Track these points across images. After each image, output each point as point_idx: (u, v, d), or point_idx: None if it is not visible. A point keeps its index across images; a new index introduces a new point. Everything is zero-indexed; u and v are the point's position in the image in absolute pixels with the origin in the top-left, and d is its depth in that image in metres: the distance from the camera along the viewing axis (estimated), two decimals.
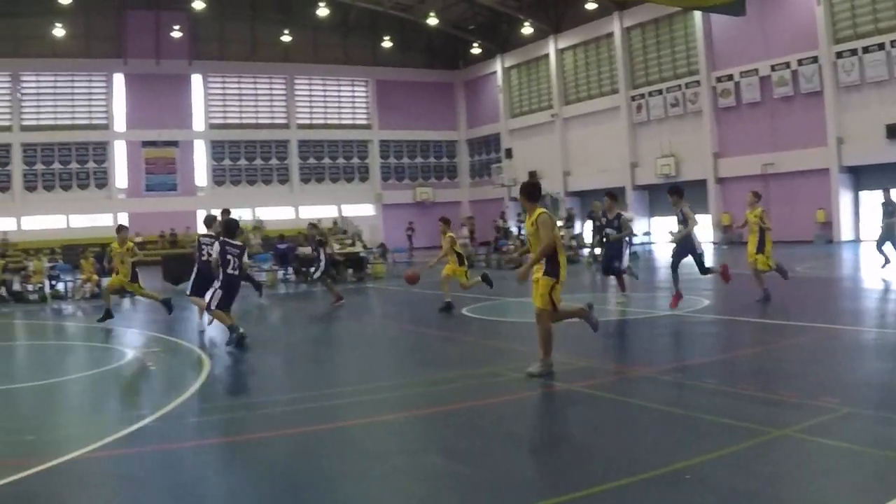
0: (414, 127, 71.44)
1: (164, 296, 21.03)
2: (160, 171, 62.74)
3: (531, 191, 12.30)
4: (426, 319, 20.29)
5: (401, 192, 70.51)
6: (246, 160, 65.77)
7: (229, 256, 16.26)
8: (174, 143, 63.22)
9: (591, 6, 56.37)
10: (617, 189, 51.39)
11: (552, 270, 11.72)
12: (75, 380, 13.87)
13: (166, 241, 57.42)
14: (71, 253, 41.98)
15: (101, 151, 61.91)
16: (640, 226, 49.58)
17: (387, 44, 67.89)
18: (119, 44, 61.65)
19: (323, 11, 61.03)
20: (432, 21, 64.13)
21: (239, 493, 7.61)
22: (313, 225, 28.02)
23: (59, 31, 58.44)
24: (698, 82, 51.45)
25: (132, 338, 18.69)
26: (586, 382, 11.54)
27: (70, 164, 61.01)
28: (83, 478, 8.06)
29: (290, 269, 34.79)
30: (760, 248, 19.88)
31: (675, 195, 19.51)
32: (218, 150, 65.10)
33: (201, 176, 64.46)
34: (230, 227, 17.13)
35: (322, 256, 25.14)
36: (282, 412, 10.67)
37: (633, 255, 28.46)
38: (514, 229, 46.61)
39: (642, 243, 44.99)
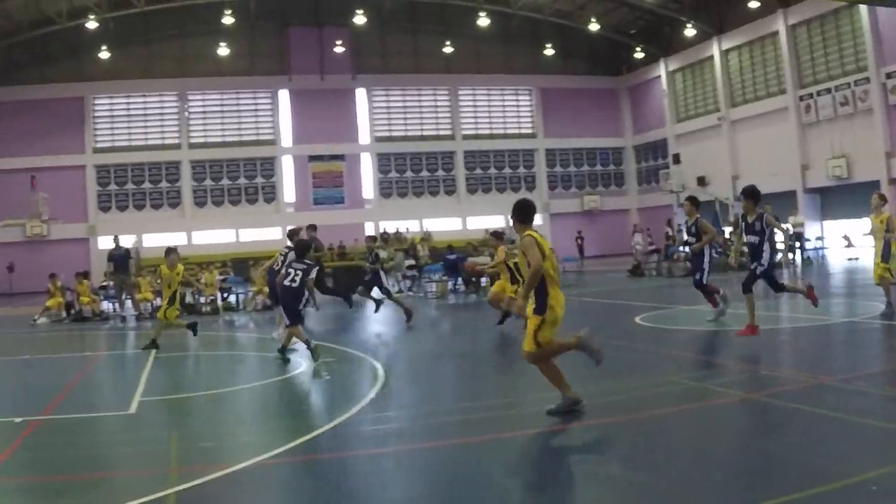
0: (579, 135, 70.16)
1: (189, 321, 20.79)
2: (327, 184, 63.55)
3: (522, 212, 11.05)
4: (598, 328, 19.91)
5: (568, 200, 69.49)
6: (412, 172, 66.09)
7: (291, 270, 16.71)
8: (340, 157, 63.97)
9: (753, 4, 54.87)
10: (787, 192, 50.22)
11: (539, 307, 10.36)
12: (250, 389, 14.22)
13: (334, 253, 58.01)
14: (241, 266, 42.65)
15: (269, 167, 63.32)
16: (811, 230, 48.07)
17: (549, 51, 67.08)
18: (283, 60, 62.98)
19: (484, 21, 60.79)
20: (593, 27, 63.24)
21: (415, 502, 7.63)
22: (372, 237, 27.87)
23: (223, 51, 60.27)
24: (867, 79, 49.31)
25: (305, 349, 18.69)
26: (766, 391, 11.28)
27: (238, 180, 62.60)
28: (259, 485, 8.30)
29: (460, 280, 34.69)
30: (885, 256, 18.83)
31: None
32: (384, 162, 65.54)
33: (368, 188, 64.94)
34: (302, 249, 17.66)
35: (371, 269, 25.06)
36: (457, 421, 10.71)
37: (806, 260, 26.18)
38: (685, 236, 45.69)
39: (815, 248, 43.53)
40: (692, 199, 20.01)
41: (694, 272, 19.79)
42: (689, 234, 19.98)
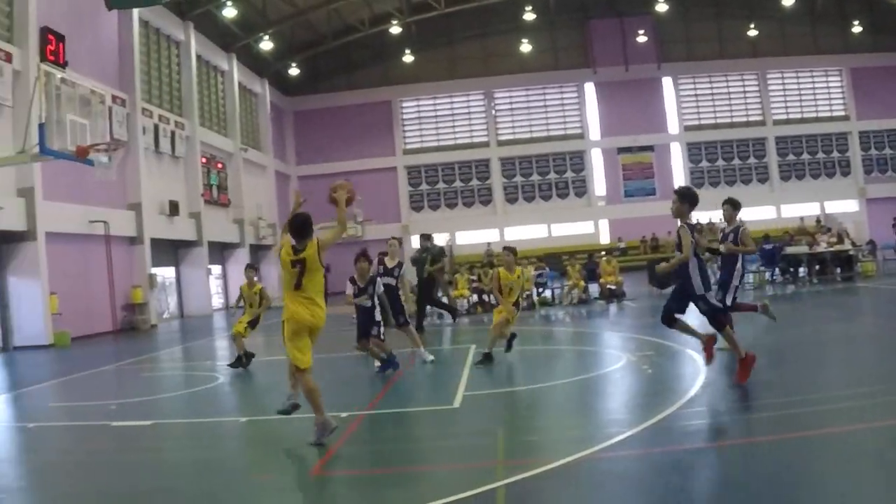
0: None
1: (242, 351, 19.35)
2: (637, 176, 62.99)
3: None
4: None
5: (886, 185, 65.25)
6: (724, 160, 64.29)
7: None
8: (650, 148, 63.22)
9: None
10: None
11: None
12: (570, 384, 13.97)
13: (647, 246, 57.51)
14: (553, 261, 42.61)
15: (578, 160, 63.48)
16: None
17: (857, 28, 63.71)
18: (586, 53, 62.80)
19: (788, 1, 58.15)
20: None
21: (742, 498, 7.22)
22: (426, 236, 25.82)
23: (526, 47, 60.80)
24: None
25: (623, 342, 18.44)
26: None
27: (548, 175, 63.08)
28: (587, 479, 8.18)
29: (777, 270, 33.48)
30: None
31: (681, 200, 13.18)
32: (694, 151, 64.13)
33: (679, 179, 63.37)
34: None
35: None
36: (783, 416, 10.09)
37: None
38: None
39: None
40: (732, 203, 16.72)
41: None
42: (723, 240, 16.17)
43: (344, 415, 11.77)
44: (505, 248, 17.46)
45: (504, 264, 17.27)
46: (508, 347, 17.14)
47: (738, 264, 15.80)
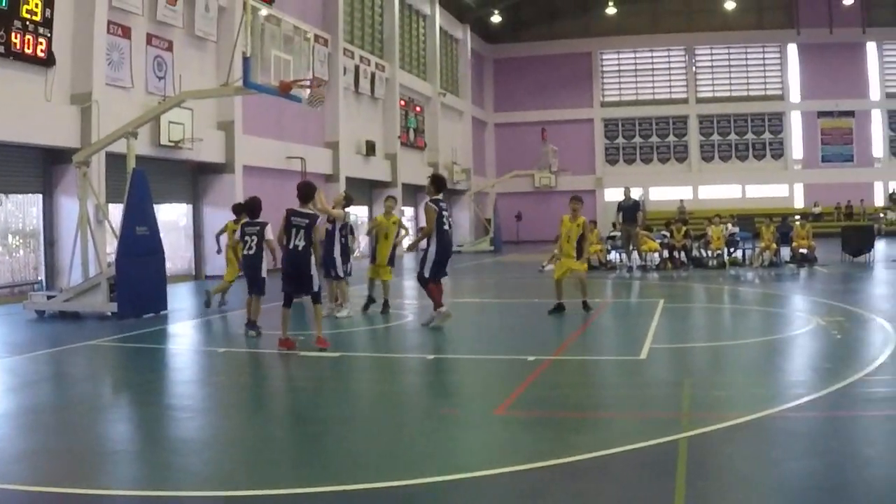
0: None
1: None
2: (837, 141, 61.97)
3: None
4: None
5: None
6: None
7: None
8: (850, 114, 61.89)
9: None
10: None
11: None
12: (756, 343, 14.08)
13: (842, 212, 56.81)
14: (745, 222, 42.56)
15: (777, 122, 62.95)
16: None
17: None
18: (791, 14, 61.71)
19: None
20: None
21: None
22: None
23: (730, 4, 59.92)
24: None
25: (813, 306, 18.41)
26: None
27: (746, 135, 62.90)
28: (770, 437, 8.23)
29: None
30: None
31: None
32: (895, 119, 62.78)
33: (878, 147, 62.44)
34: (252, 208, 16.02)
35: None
36: None
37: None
38: None
39: None
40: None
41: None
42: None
43: (531, 358, 12.31)
44: (573, 198, 18.03)
45: (570, 211, 17.86)
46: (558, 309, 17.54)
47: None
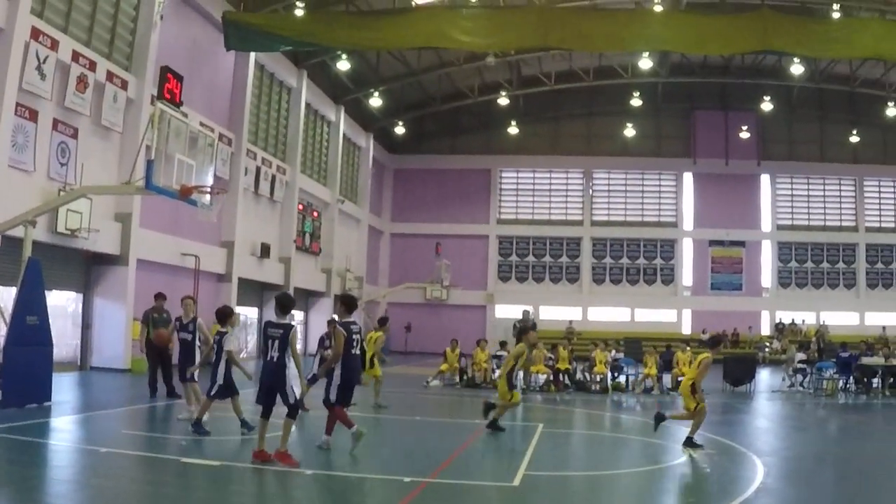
0: None
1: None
2: (726, 270, 63.02)
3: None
4: None
5: None
6: (813, 263, 63.67)
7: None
8: (741, 243, 63.09)
9: None
10: None
11: None
12: (632, 474, 14.30)
13: (728, 340, 57.26)
14: (633, 346, 42.59)
15: (669, 248, 63.82)
16: None
17: None
18: (688, 143, 63.08)
19: (893, 111, 56.97)
20: None
21: None
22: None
23: (630, 131, 61.17)
24: None
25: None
26: None
27: (637, 260, 63.56)
28: None
29: (852, 379, 32.98)
30: None
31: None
32: (784, 251, 63.72)
33: (766, 277, 63.59)
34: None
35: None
36: None
37: None
38: None
39: None
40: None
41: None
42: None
43: (407, 479, 12.31)
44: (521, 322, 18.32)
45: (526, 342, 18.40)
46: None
47: None
